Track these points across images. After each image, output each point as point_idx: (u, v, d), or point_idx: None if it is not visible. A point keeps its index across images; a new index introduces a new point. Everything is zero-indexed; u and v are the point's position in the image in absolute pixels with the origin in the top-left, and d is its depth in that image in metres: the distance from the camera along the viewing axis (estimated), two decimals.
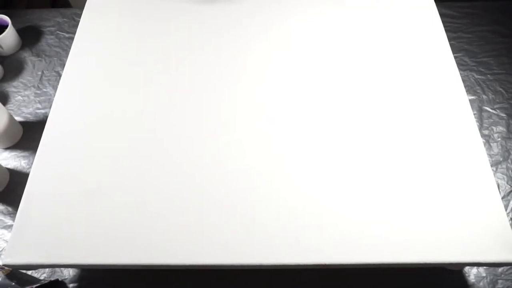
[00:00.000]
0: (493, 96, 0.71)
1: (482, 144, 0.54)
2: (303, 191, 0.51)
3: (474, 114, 0.59)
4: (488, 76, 0.74)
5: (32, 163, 0.56)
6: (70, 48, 0.66)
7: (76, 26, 0.70)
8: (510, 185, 0.62)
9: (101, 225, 0.50)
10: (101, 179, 0.53)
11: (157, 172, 0.54)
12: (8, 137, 0.68)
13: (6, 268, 0.57)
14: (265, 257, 0.48)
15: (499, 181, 0.63)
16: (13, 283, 0.57)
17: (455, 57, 0.62)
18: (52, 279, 0.57)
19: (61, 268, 0.59)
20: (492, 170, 0.54)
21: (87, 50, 0.67)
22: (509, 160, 0.64)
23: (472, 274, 0.56)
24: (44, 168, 0.55)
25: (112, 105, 0.60)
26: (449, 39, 0.64)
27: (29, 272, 0.58)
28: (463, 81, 0.60)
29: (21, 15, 0.86)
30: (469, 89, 0.72)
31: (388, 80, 0.60)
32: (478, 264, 0.51)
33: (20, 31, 0.83)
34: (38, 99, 0.75)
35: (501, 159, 0.65)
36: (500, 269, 0.57)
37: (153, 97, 0.60)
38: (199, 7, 0.70)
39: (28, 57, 0.80)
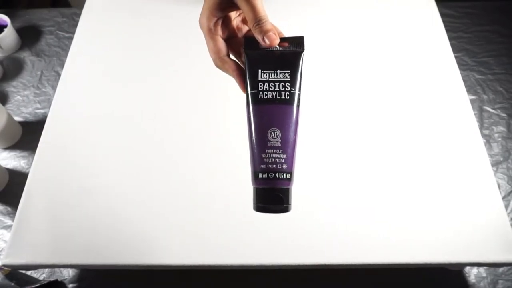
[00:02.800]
0: (493, 96, 0.71)
1: (483, 144, 0.54)
2: (303, 191, 0.51)
3: (474, 114, 0.59)
4: (489, 76, 0.73)
5: (31, 163, 0.56)
6: (69, 48, 0.66)
7: (75, 26, 0.70)
8: (510, 185, 0.62)
9: (101, 225, 0.50)
10: (101, 179, 0.53)
11: (157, 172, 0.54)
12: (8, 137, 0.68)
13: (5, 268, 0.57)
14: (265, 257, 0.48)
15: (500, 181, 0.62)
16: (13, 283, 0.57)
17: (455, 57, 0.62)
18: (52, 279, 0.57)
19: (61, 268, 0.59)
20: (493, 170, 0.54)
21: (87, 50, 0.67)
22: (510, 160, 0.64)
23: (472, 274, 0.56)
24: (43, 168, 0.55)
25: (112, 104, 0.60)
26: (449, 39, 0.64)
27: (29, 272, 0.58)
28: (463, 81, 0.60)
29: (21, 15, 0.86)
30: (470, 89, 0.72)
31: (389, 80, 0.60)
32: (478, 264, 0.51)
33: (19, 31, 0.82)
34: (37, 99, 0.74)
35: (501, 159, 0.65)
36: (500, 270, 0.57)
37: (153, 97, 0.60)
38: (200, 7, 0.70)
39: (27, 57, 0.80)
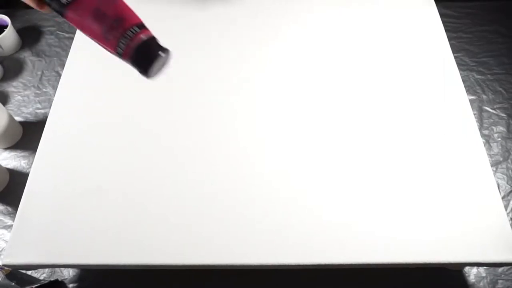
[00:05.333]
0: (493, 96, 0.71)
1: (482, 144, 0.54)
2: (303, 191, 0.51)
3: (474, 114, 0.59)
4: (488, 76, 0.73)
5: (32, 163, 0.56)
6: (70, 48, 0.66)
7: None
8: (510, 185, 0.62)
9: (101, 225, 0.50)
10: (101, 179, 0.53)
11: (157, 172, 0.54)
12: (8, 137, 0.68)
13: (6, 268, 0.57)
14: (265, 257, 0.48)
15: (499, 181, 0.62)
16: (13, 283, 0.57)
17: (455, 57, 0.62)
18: (52, 279, 0.57)
19: (61, 268, 0.59)
20: (492, 170, 0.54)
21: (87, 50, 0.66)
22: (509, 160, 0.64)
23: (472, 274, 0.56)
24: (44, 168, 0.55)
25: (112, 105, 0.60)
26: (449, 39, 0.64)
27: (29, 272, 0.58)
28: (463, 81, 0.60)
29: (21, 15, 0.86)
30: (469, 89, 0.72)
31: (388, 80, 0.60)
32: (478, 264, 0.51)
33: (20, 31, 0.83)
34: (38, 99, 0.75)
35: (501, 159, 0.65)
36: (500, 269, 0.57)
37: (153, 97, 0.60)
38: (200, 8, 0.70)
39: (28, 57, 0.80)
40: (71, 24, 0.36)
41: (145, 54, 0.36)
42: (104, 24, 0.35)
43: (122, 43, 0.35)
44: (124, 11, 0.36)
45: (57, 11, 0.35)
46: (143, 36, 0.35)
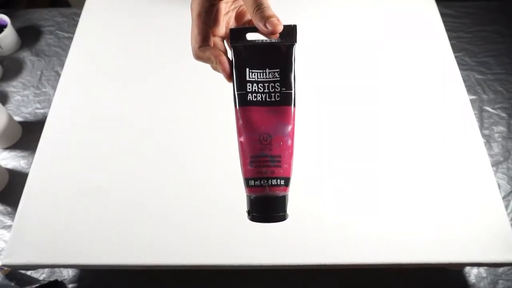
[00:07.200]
0: (493, 96, 0.71)
1: (483, 144, 0.54)
2: (303, 191, 0.51)
3: (474, 114, 0.59)
4: (489, 76, 0.73)
5: (31, 163, 0.56)
6: (69, 48, 0.66)
7: (75, 25, 0.69)
8: (510, 185, 0.62)
9: (101, 225, 0.50)
10: (101, 179, 0.53)
11: (157, 172, 0.54)
12: (7, 137, 0.68)
13: (5, 268, 0.57)
14: (265, 257, 0.48)
15: (500, 181, 0.62)
16: (12, 284, 0.57)
17: (455, 57, 0.62)
18: (52, 279, 0.57)
19: (61, 268, 0.59)
20: (493, 170, 0.54)
21: (86, 50, 0.67)
22: (510, 160, 0.64)
23: (472, 274, 0.56)
24: (43, 168, 0.55)
25: (112, 104, 0.60)
26: (450, 38, 0.64)
27: (29, 273, 0.58)
28: (464, 80, 0.60)
29: (21, 15, 0.86)
30: (470, 89, 0.72)
31: (389, 80, 0.60)
32: (478, 264, 0.51)
33: (19, 31, 0.82)
34: (37, 99, 0.74)
35: (501, 159, 0.65)
36: (500, 270, 0.57)
37: (153, 97, 0.60)
38: None
39: (27, 57, 0.80)
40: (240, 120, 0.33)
41: (265, 206, 0.34)
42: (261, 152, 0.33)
43: (257, 181, 0.33)
44: (289, 163, 0.34)
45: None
46: (278, 192, 0.33)
